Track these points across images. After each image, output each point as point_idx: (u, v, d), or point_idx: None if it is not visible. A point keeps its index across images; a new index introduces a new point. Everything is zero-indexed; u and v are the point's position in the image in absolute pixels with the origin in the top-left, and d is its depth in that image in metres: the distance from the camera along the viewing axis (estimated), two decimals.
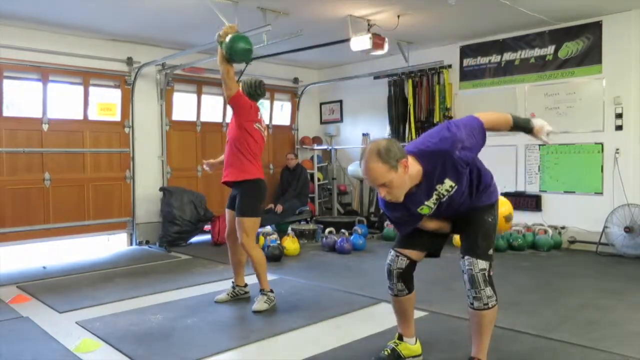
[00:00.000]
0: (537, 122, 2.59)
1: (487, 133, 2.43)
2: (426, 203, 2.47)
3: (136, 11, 5.53)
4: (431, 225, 2.66)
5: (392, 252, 2.72)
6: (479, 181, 2.54)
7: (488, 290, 2.46)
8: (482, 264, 2.47)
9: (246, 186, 3.87)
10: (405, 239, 2.71)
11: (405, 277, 2.70)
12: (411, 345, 2.82)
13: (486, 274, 2.47)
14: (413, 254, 2.69)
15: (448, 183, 2.41)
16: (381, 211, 7.84)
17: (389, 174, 2.26)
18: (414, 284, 2.75)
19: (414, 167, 2.35)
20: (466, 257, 2.50)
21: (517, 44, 6.65)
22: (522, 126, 2.59)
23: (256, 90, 4.04)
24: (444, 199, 2.47)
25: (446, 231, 2.71)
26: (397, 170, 2.26)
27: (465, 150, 2.33)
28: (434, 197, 2.45)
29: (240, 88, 3.98)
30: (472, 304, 2.49)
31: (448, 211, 2.56)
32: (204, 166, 4.34)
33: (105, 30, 6.31)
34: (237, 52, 3.70)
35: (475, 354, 2.56)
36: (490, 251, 2.53)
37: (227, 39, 3.71)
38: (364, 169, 2.32)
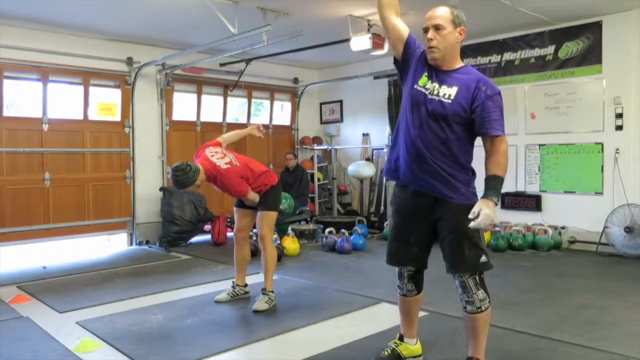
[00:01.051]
0: (490, 206, 2.29)
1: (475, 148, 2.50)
2: (426, 77, 2.51)
3: (136, 11, 5.53)
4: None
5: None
6: (461, 149, 2.47)
7: (480, 294, 2.46)
8: (477, 271, 2.47)
9: (273, 187, 4.02)
10: (393, 255, 2.69)
11: (416, 278, 2.72)
12: (412, 346, 2.83)
13: (477, 278, 2.47)
14: (410, 266, 2.70)
15: (451, 91, 2.44)
16: (381, 211, 7.89)
17: (448, 23, 2.43)
18: (423, 284, 2.76)
19: (459, 59, 2.52)
20: (456, 276, 2.48)
21: (517, 44, 6.65)
22: (487, 187, 2.35)
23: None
24: (434, 98, 2.45)
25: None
26: (456, 28, 2.44)
27: (489, 100, 2.38)
28: (436, 84, 2.48)
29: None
30: (465, 307, 2.50)
31: (422, 134, 2.45)
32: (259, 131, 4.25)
33: (106, 30, 6.32)
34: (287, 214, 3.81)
35: (472, 353, 2.57)
36: (483, 258, 2.46)
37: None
38: (432, 10, 2.47)
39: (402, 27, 2.59)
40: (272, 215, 3.99)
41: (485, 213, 2.26)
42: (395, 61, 2.68)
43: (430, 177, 2.47)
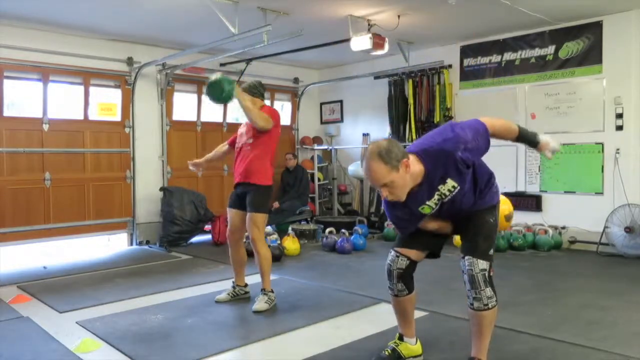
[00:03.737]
0: (543, 138, 2.61)
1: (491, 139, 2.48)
2: (428, 203, 2.48)
3: (136, 11, 5.53)
4: (432, 225, 2.66)
5: (392, 252, 2.72)
6: (482, 182, 2.54)
7: (488, 291, 2.46)
8: (483, 264, 2.47)
9: (262, 187, 3.97)
10: (406, 239, 2.71)
11: (405, 278, 2.70)
12: (411, 346, 2.82)
13: (486, 275, 2.47)
14: (413, 253, 2.69)
15: (450, 183, 2.42)
16: (382, 211, 7.89)
17: (390, 175, 2.29)
18: (414, 284, 2.75)
19: (416, 167, 2.36)
20: (466, 257, 2.49)
21: (517, 44, 6.64)
22: (528, 139, 2.61)
23: (259, 90, 4.10)
24: (446, 199, 2.48)
25: (447, 232, 2.71)
26: (399, 170, 2.29)
27: (468, 152, 2.34)
28: (436, 197, 2.46)
29: (242, 89, 4.00)
30: (472, 304, 2.49)
31: (450, 211, 2.56)
32: (190, 167, 4.29)
33: (106, 30, 6.32)
34: (226, 93, 3.72)
35: (475, 354, 2.56)
36: (491, 252, 2.53)
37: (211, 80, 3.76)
38: (366, 169, 2.35)
39: None
40: (261, 217, 3.92)
41: (546, 140, 2.61)
42: None
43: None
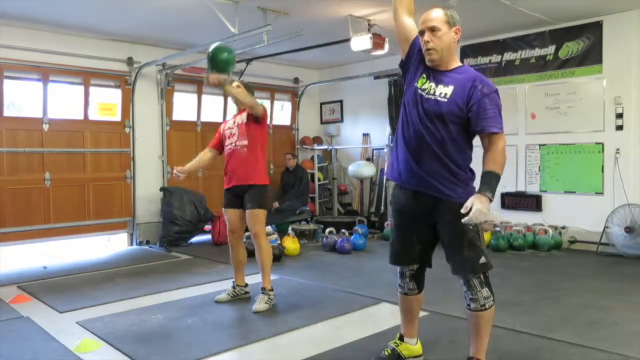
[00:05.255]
0: (475, 202, 2.28)
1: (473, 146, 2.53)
2: (424, 78, 2.53)
3: (136, 11, 5.53)
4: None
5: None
6: (458, 159, 2.47)
7: (485, 292, 2.46)
8: (477, 272, 2.46)
9: (261, 185, 4.00)
10: (396, 255, 2.69)
11: (417, 277, 2.72)
12: (412, 346, 2.82)
13: (482, 277, 2.47)
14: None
15: (446, 90, 2.46)
16: (382, 211, 7.89)
17: (443, 25, 2.46)
18: (424, 283, 2.76)
19: (456, 57, 2.55)
20: (459, 278, 2.49)
21: (517, 44, 6.64)
22: (490, 182, 2.33)
23: (249, 88, 4.18)
24: (429, 96, 2.48)
25: None
26: (451, 27, 2.48)
27: (486, 97, 2.39)
28: (432, 83, 2.50)
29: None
30: (469, 305, 2.49)
31: (418, 133, 2.47)
32: (175, 172, 4.04)
33: (106, 30, 6.32)
34: (223, 63, 3.77)
35: (474, 353, 2.57)
36: (482, 259, 2.46)
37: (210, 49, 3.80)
38: (426, 12, 2.50)
39: (411, 27, 2.62)
40: (261, 213, 3.94)
41: (477, 208, 2.23)
42: (400, 62, 2.70)
43: (429, 176, 2.48)
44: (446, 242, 2.53)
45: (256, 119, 3.96)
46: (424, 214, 2.56)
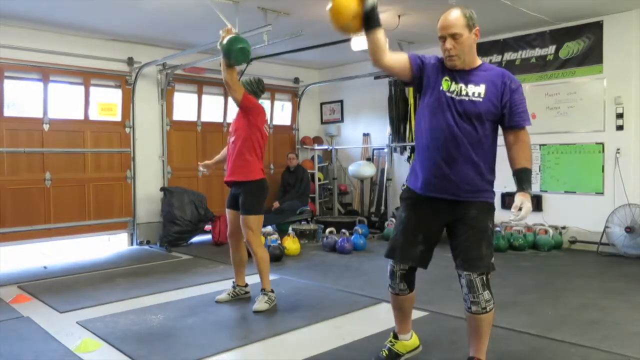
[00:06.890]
0: (527, 199, 2.39)
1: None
2: (447, 81, 2.49)
3: (136, 11, 5.53)
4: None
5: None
6: (490, 158, 2.52)
7: (486, 294, 2.45)
8: (483, 270, 2.46)
9: (251, 185, 3.92)
10: (395, 250, 2.64)
11: (408, 278, 2.69)
12: (407, 342, 2.82)
13: (484, 278, 2.45)
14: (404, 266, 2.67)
15: (478, 89, 2.45)
16: (382, 211, 7.89)
17: (464, 29, 2.41)
18: (415, 283, 2.74)
19: (476, 55, 2.51)
20: (464, 275, 2.46)
21: (517, 44, 6.64)
22: (525, 178, 2.43)
23: (258, 87, 4.14)
24: (462, 98, 2.45)
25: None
26: (471, 30, 2.43)
27: (514, 91, 2.47)
28: (461, 84, 2.47)
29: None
30: (469, 308, 2.48)
31: (452, 137, 2.44)
32: (200, 168, 4.30)
33: (106, 30, 6.32)
34: (234, 53, 3.73)
35: (474, 353, 2.56)
36: (493, 258, 2.51)
37: (224, 41, 3.75)
38: (444, 17, 2.46)
39: (399, 60, 2.54)
40: (252, 219, 3.88)
41: (528, 207, 2.35)
42: (407, 83, 2.66)
43: (461, 182, 2.45)
44: (463, 237, 2.48)
45: (240, 108, 3.89)
46: (440, 212, 2.53)
